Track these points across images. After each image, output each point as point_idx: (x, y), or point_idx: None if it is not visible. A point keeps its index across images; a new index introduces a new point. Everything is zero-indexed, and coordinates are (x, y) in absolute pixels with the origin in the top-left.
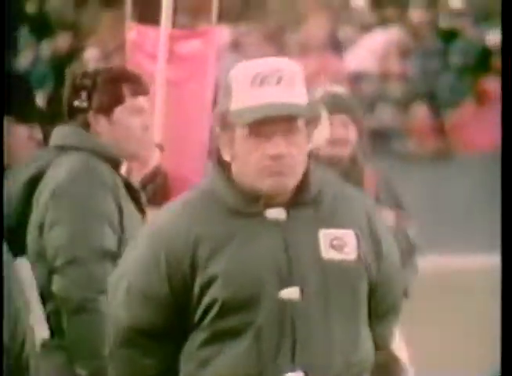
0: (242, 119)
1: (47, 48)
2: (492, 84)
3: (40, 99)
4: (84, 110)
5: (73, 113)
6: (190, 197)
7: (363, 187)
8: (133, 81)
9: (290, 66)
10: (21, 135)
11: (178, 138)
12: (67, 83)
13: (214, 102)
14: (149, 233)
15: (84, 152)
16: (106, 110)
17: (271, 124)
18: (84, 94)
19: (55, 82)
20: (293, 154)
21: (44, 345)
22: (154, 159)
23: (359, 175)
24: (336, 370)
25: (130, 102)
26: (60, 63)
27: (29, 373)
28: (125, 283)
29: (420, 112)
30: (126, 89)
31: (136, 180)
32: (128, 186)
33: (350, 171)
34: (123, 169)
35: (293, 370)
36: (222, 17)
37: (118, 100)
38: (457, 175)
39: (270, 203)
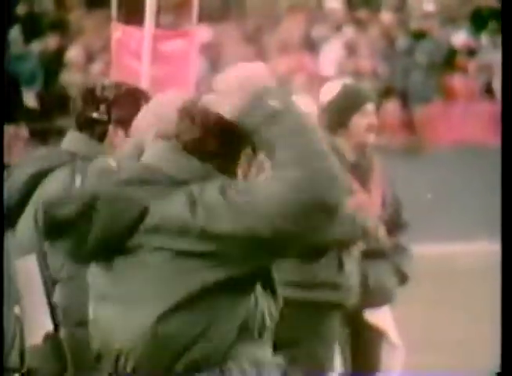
0: None
1: (36, 47)
2: (458, 82)
3: (28, 98)
4: (102, 123)
5: (89, 124)
6: None
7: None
8: (146, 97)
9: None
10: (6, 135)
11: None
12: (79, 94)
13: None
14: None
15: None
16: (126, 123)
17: None
18: (103, 107)
19: (44, 81)
20: None
21: (47, 337)
22: None
23: (371, 163)
24: None
25: None
26: (49, 63)
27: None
28: None
29: (391, 108)
30: (143, 104)
31: None
32: None
33: (364, 159)
34: None
35: None
36: (203, 17)
37: (137, 114)
38: (426, 167)
39: None
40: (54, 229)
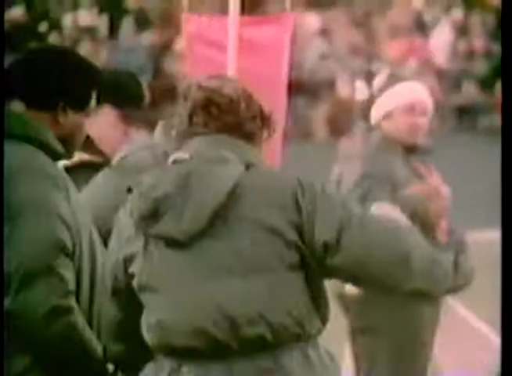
0: None
1: (146, 40)
2: None
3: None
4: None
5: None
6: None
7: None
8: None
9: None
10: (114, 132)
11: None
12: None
13: (289, 88)
14: None
15: None
16: None
17: None
18: None
19: (152, 72)
20: None
21: None
22: None
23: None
24: None
25: None
26: (157, 54)
27: None
28: None
29: None
30: None
31: None
32: None
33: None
34: None
35: None
36: (310, 3)
37: None
38: None
39: None
40: (153, 211)
